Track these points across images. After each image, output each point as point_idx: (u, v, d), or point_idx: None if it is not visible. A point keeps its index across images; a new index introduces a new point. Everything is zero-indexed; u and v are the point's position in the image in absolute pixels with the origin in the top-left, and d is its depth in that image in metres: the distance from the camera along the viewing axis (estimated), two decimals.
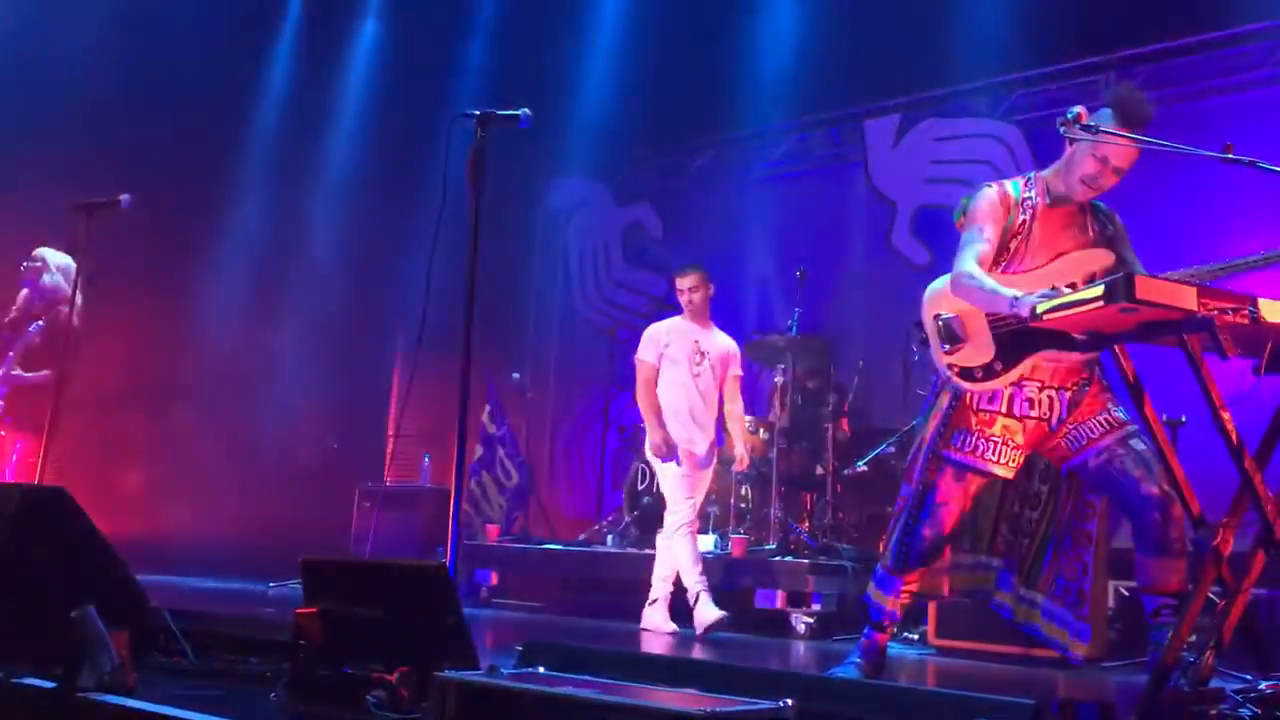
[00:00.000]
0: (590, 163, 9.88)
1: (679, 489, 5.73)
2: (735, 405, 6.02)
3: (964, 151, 8.30)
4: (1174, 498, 3.21)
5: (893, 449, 6.83)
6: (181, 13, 8.07)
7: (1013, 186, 3.51)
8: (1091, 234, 3.51)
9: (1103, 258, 3.45)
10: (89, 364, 5.78)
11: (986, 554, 3.76)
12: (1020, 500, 3.72)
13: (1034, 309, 3.00)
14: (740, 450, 6.03)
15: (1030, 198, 3.49)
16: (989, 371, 3.42)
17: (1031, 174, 3.58)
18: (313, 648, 3.06)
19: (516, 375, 9.36)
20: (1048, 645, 3.77)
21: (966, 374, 3.45)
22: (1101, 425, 3.41)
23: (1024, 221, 3.47)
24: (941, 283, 3.58)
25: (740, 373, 6.06)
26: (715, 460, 5.98)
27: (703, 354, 5.88)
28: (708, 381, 5.86)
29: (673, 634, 5.52)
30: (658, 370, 5.91)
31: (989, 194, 3.49)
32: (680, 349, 5.89)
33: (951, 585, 3.88)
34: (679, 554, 5.65)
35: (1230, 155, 3.06)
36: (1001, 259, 3.47)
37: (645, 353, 5.95)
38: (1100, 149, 3.33)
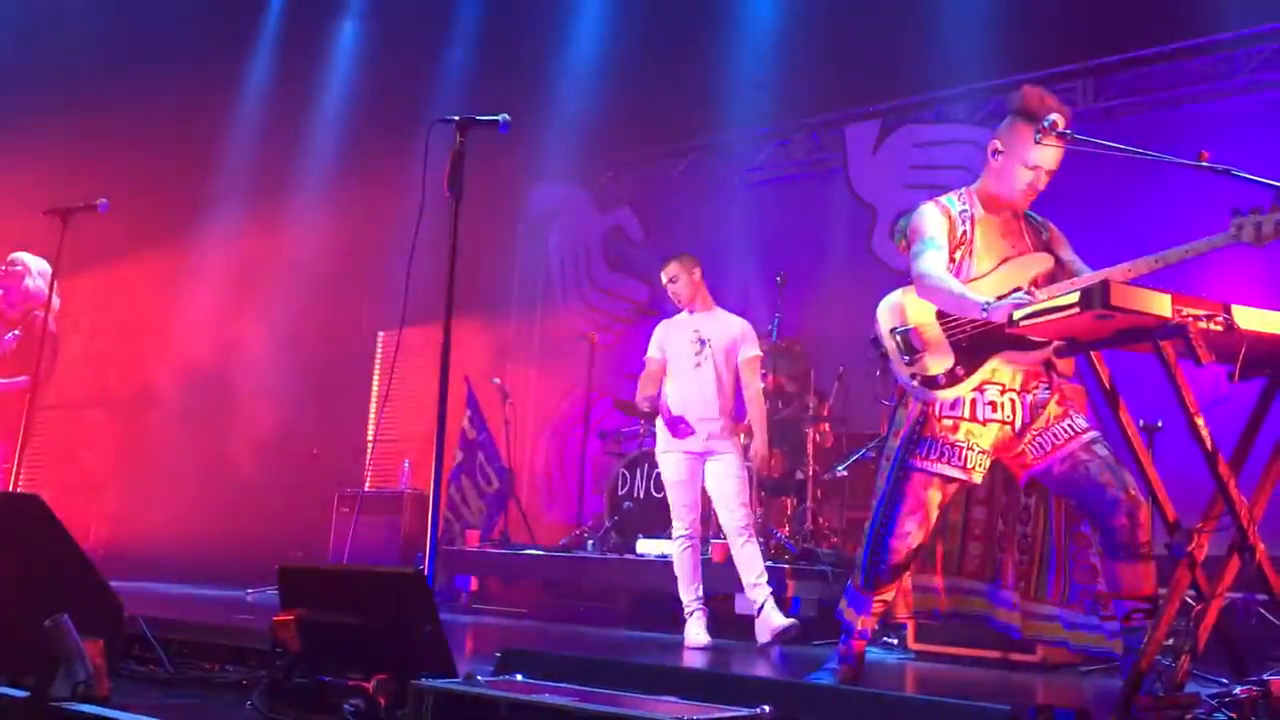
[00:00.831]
0: (571, 167, 9.90)
1: (671, 498, 5.57)
2: (751, 388, 5.58)
3: (944, 157, 8.34)
4: (1140, 501, 3.23)
5: (873, 454, 6.85)
6: (158, 14, 8.03)
7: (948, 201, 3.61)
8: (1029, 240, 3.59)
9: (1044, 261, 3.53)
10: (64, 369, 5.74)
11: (956, 575, 3.75)
12: (1005, 517, 3.71)
13: (1010, 315, 3.03)
14: (757, 443, 5.59)
15: (966, 209, 3.59)
16: (952, 378, 3.44)
17: (963, 189, 3.66)
18: (290, 655, 3.04)
19: (497, 380, 9.34)
20: (1082, 654, 3.68)
21: (930, 382, 3.47)
22: (1065, 431, 3.43)
23: (964, 232, 3.55)
24: (893, 298, 3.66)
25: (758, 353, 5.66)
26: (735, 453, 5.52)
27: (704, 341, 5.61)
28: (708, 370, 5.55)
29: (705, 648, 5.28)
30: (662, 365, 5.70)
31: (928, 209, 3.59)
32: (679, 343, 5.68)
33: (938, 607, 3.83)
34: (680, 568, 5.51)
35: (1205, 163, 3.08)
36: (949, 270, 3.51)
37: (650, 349, 5.81)
38: (1031, 157, 3.44)
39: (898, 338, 3.57)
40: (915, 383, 3.50)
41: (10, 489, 4.82)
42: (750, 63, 8.49)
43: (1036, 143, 3.38)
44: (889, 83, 8.43)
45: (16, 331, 5.47)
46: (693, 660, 4.94)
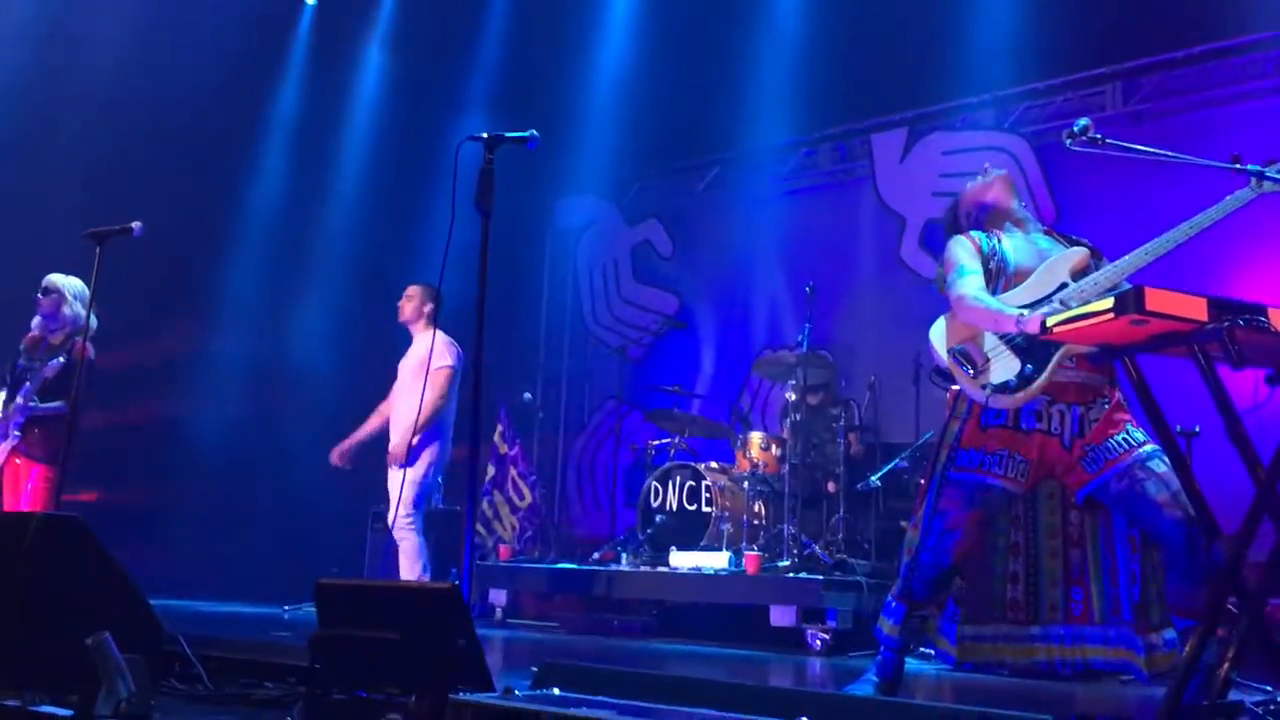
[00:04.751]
0: (598, 182, 9.93)
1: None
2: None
3: (972, 164, 8.23)
4: (1197, 520, 3.18)
5: (905, 464, 6.82)
6: (190, 41, 8.14)
7: (974, 233, 3.73)
8: (1063, 242, 3.68)
9: (1080, 254, 3.54)
10: (102, 391, 5.80)
11: (1019, 624, 3.62)
12: (1050, 550, 3.61)
13: (1043, 322, 3.01)
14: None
15: (991, 232, 3.72)
16: (1024, 379, 3.42)
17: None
18: (328, 672, 3.06)
19: (528, 395, 9.37)
20: (1116, 670, 3.58)
21: (1001, 388, 3.45)
22: (1120, 445, 3.38)
23: (994, 247, 3.65)
24: (940, 323, 3.71)
25: (437, 365, 6.00)
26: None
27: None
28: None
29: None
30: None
31: (958, 240, 3.72)
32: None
33: (1003, 658, 3.75)
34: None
35: (1239, 165, 3.06)
36: (988, 286, 3.57)
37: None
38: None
39: (958, 355, 3.58)
40: (987, 393, 3.48)
41: (52, 510, 4.87)
42: (776, 73, 8.49)
43: (1066, 146, 3.37)
44: (915, 90, 8.41)
45: (61, 359, 5.53)
46: (731, 673, 4.93)
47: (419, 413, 5.85)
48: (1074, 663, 3.59)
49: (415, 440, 5.95)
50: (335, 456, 6.32)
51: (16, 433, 5.56)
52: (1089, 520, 3.58)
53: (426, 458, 6.06)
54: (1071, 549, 3.60)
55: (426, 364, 5.89)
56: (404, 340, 6.45)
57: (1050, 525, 3.64)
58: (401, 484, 5.88)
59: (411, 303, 6.29)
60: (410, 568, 5.93)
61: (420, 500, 6.08)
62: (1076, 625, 3.57)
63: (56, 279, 5.80)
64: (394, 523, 6.02)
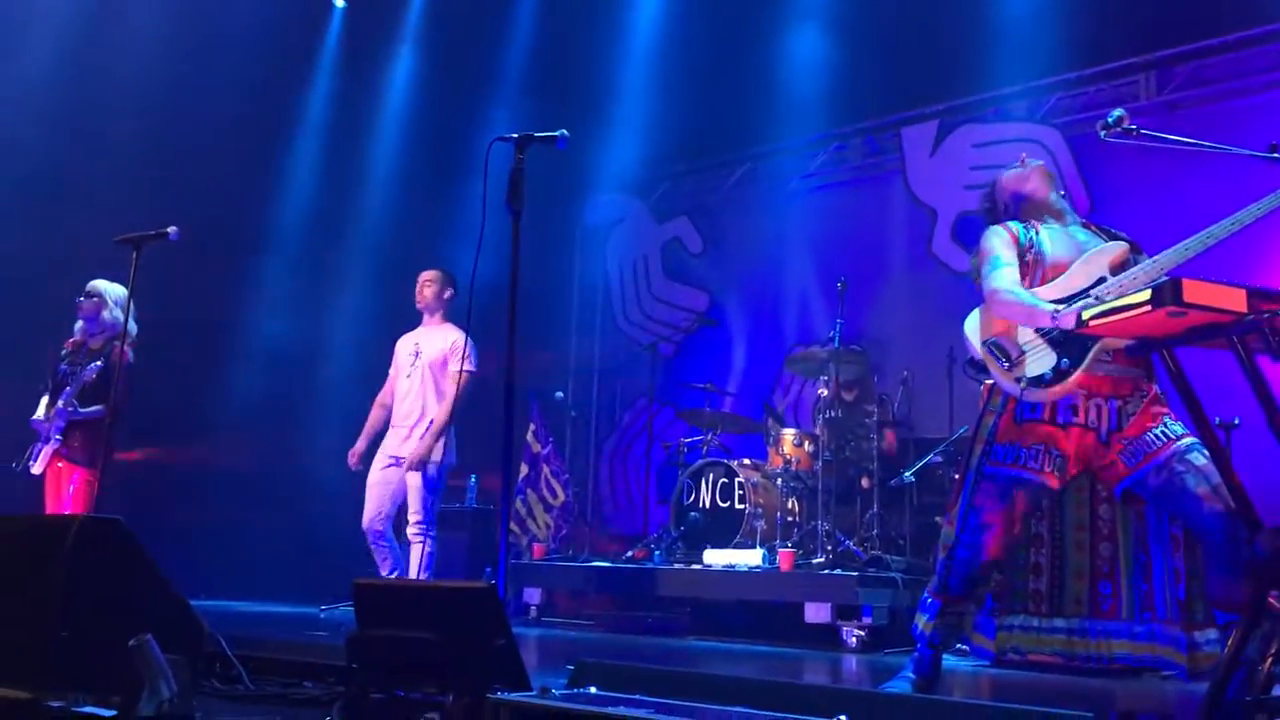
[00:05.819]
0: (628, 179, 9.93)
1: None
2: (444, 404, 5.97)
3: (1004, 156, 8.21)
4: (1238, 512, 3.15)
5: (939, 459, 6.79)
6: (221, 44, 8.20)
7: (1011, 223, 3.69)
8: (1101, 235, 3.64)
9: (1119, 248, 3.50)
10: (140, 394, 5.86)
11: (1040, 615, 3.64)
12: (1076, 543, 3.61)
13: (1079, 316, 2.99)
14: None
15: (1028, 223, 3.68)
16: (1059, 373, 3.39)
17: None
18: (366, 671, 3.08)
19: (560, 394, 9.39)
20: (1156, 668, 3.58)
21: (1036, 381, 3.43)
22: (1159, 439, 3.35)
23: (1031, 239, 3.61)
24: (975, 316, 3.68)
25: (461, 368, 5.92)
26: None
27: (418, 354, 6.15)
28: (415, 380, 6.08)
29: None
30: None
31: (990, 232, 3.69)
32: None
33: (1020, 648, 3.74)
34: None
35: (1277, 154, 3.02)
36: (1023, 279, 3.55)
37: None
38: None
39: (993, 347, 3.55)
40: (1021, 386, 3.46)
41: (94, 513, 4.93)
42: (803, 68, 8.46)
43: (1100, 137, 3.34)
44: (945, 82, 8.35)
45: (99, 363, 5.60)
46: (767, 671, 4.92)
47: (443, 414, 5.81)
48: (1099, 657, 3.57)
49: (438, 443, 5.88)
50: (353, 461, 6.18)
51: (58, 437, 5.64)
52: (1121, 515, 3.56)
53: (442, 463, 5.95)
54: (1101, 543, 3.58)
55: (444, 360, 5.85)
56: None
57: (1077, 519, 3.63)
58: (410, 486, 5.85)
59: (432, 288, 6.17)
60: (422, 574, 5.78)
61: (434, 506, 5.96)
62: (1104, 620, 3.56)
63: (98, 284, 5.88)
64: (380, 524, 5.93)
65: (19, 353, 6.71)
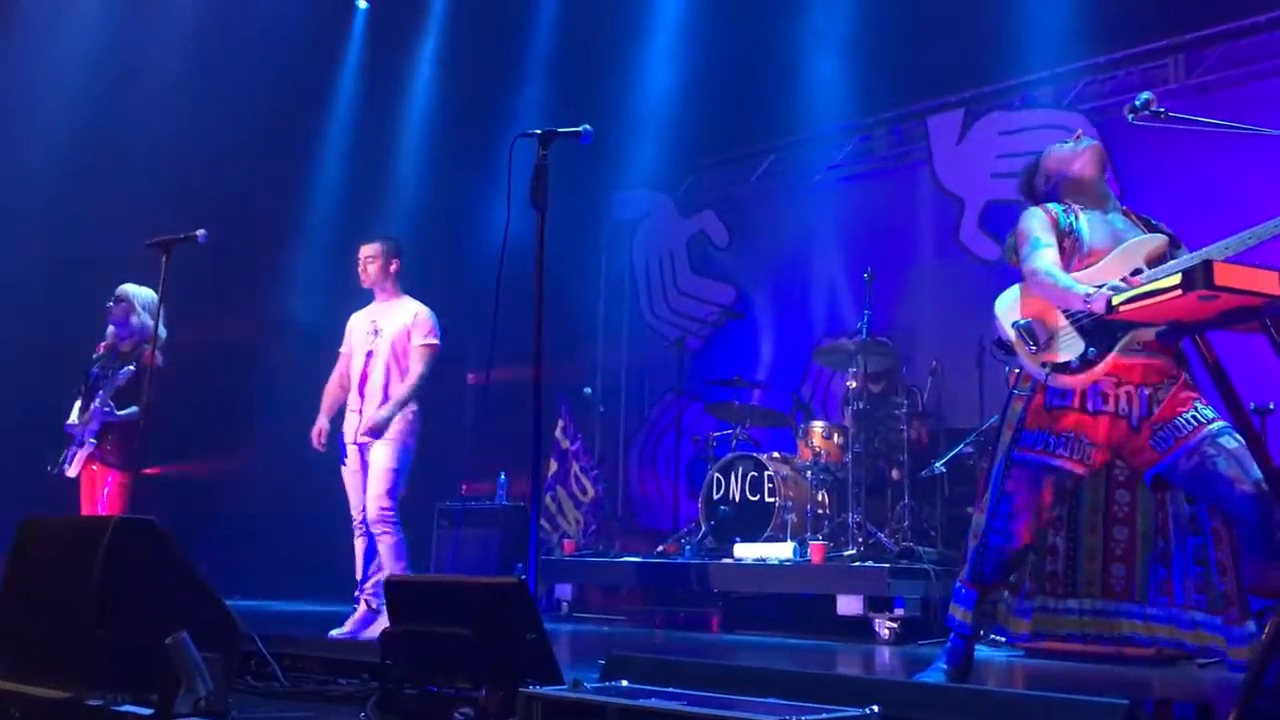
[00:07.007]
0: (653, 174, 9.92)
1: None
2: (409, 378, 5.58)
3: (1032, 144, 8.15)
4: (1272, 496, 3.12)
5: (970, 449, 6.75)
6: (246, 44, 8.26)
7: (1051, 205, 3.64)
8: (1139, 224, 3.59)
9: (1156, 240, 3.47)
10: (173, 398, 5.90)
11: (1099, 597, 3.60)
12: (1090, 525, 3.61)
13: (1109, 301, 2.96)
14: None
15: (1068, 206, 3.63)
16: (1085, 361, 3.37)
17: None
18: (400, 667, 3.10)
19: (588, 390, 9.41)
20: (1201, 655, 3.55)
21: (1061, 368, 3.41)
22: (1189, 424, 3.32)
23: (1070, 224, 3.56)
24: (1009, 294, 3.63)
25: (425, 341, 5.61)
26: (392, 437, 5.49)
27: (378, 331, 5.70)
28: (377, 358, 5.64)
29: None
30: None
31: (1030, 212, 3.65)
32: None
33: (1037, 630, 3.73)
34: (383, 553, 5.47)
35: None
36: (1059, 264, 3.51)
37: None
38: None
39: (1022, 329, 3.52)
40: (1046, 371, 3.44)
41: (128, 514, 4.98)
42: (828, 59, 8.42)
43: (1128, 120, 3.30)
44: (971, 70, 8.30)
45: (131, 367, 5.65)
46: (799, 662, 4.92)
47: (405, 387, 5.46)
48: (1109, 637, 3.56)
49: (396, 416, 5.45)
50: (318, 440, 5.70)
51: (92, 440, 5.70)
52: (1142, 501, 3.54)
53: (404, 440, 5.49)
54: (1115, 526, 3.58)
55: (407, 333, 5.57)
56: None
57: (1093, 501, 3.63)
58: (374, 467, 5.42)
59: (376, 263, 5.73)
60: (393, 567, 5.38)
61: (398, 489, 5.48)
62: (1116, 600, 3.55)
63: (128, 288, 5.93)
64: (364, 514, 5.46)
65: (52, 357, 6.78)
